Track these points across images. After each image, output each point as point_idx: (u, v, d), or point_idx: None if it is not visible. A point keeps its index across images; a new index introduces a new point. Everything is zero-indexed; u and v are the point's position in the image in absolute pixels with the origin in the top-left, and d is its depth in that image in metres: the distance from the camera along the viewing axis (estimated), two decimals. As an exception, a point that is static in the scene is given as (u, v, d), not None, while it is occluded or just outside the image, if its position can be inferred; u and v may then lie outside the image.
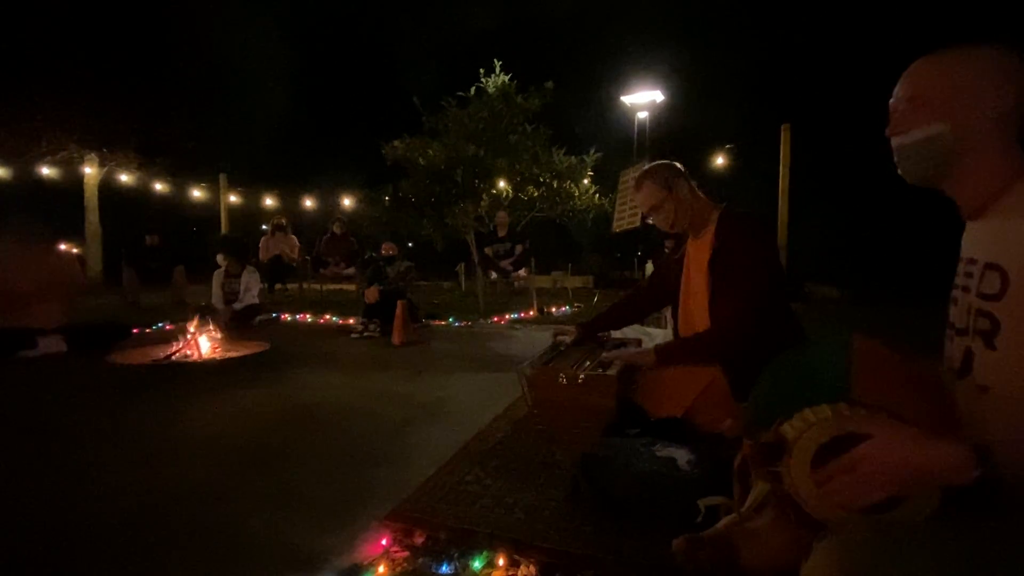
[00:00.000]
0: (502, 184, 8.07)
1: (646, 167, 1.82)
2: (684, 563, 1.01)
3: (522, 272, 6.36)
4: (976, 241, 0.83)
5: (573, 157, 8.38)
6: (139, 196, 9.75)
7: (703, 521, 1.09)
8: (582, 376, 1.79)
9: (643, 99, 10.63)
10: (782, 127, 5.97)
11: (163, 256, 6.26)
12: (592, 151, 8.46)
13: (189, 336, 3.12)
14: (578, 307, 5.82)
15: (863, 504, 0.66)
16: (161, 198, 9.42)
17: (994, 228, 0.78)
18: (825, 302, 6.27)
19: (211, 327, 3.26)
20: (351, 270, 6.84)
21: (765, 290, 1.57)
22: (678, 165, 1.78)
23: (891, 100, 0.88)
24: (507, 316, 5.02)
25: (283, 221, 6.99)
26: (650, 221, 1.85)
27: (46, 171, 8.81)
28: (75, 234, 10.20)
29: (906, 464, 0.65)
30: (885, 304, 5.44)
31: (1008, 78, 0.77)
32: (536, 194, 8.28)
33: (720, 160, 7.03)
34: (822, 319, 4.65)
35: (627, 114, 11.05)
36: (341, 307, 5.50)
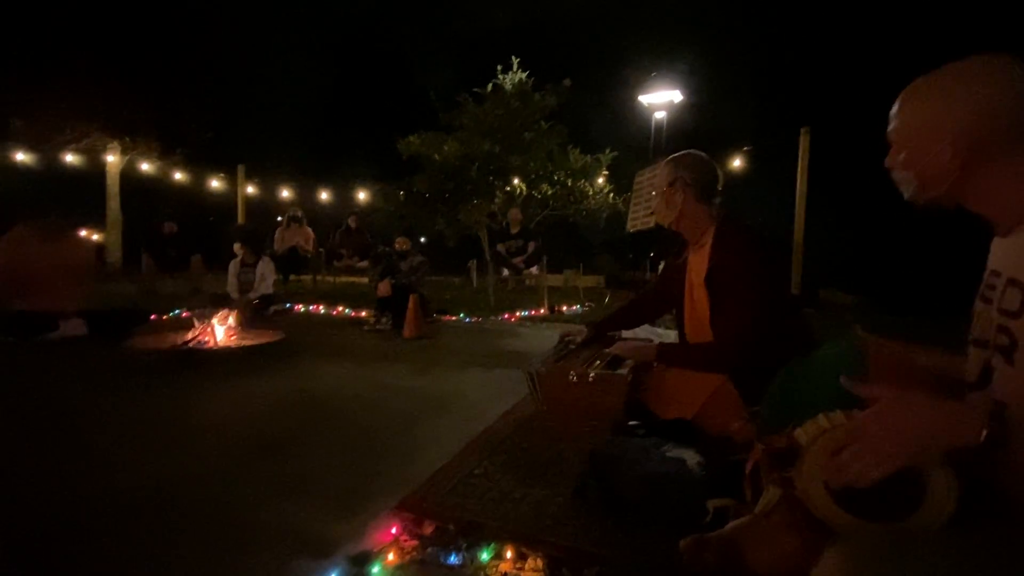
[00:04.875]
0: (516, 181, 8.06)
1: (681, 153, 1.79)
2: (690, 563, 1.01)
3: (534, 270, 6.37)
4: (1002, 254, 0.80)
5: (588, 156, 8.35)
6: (159, 185, 9.92)
7: (711, 523, 1.09)
8: (592, 375, 1.80)
9: (661, 99, 10.54)
10: (801, 130, 5.90)
11: (181, 244, 6.37)
12: (607, 150, 8.43)
13: (205, 323, 3.17)
14: (589, 306, 5.81)
15: (877, 476, 0.64)
16: (180, 187, 9.56)
17: (1019, 243, 0.77)
18: (839, 309, 6.19)
19: (227, 315, 3.32)
20: (364, 263, 6.90)
21: (765, 304, 1.56)
22: (702, 170, 1.74)
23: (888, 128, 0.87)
24: (517, 313, 5.03)
25: (299, 213, 7.06)
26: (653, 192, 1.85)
27: (70, 158, 8.99)
28: (97, 221, 10.40)
29: (914, 425, 0.64)
30: (902, 312, 5.36)
31: (1010, 87, 0.74)
32: (550, 192, 8.27)
33: (737, 162, 6.96)
34: (836, 326, 4.59)
35: (644, 114, 10.98)
36: (354, 300, 5.55)
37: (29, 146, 8.68)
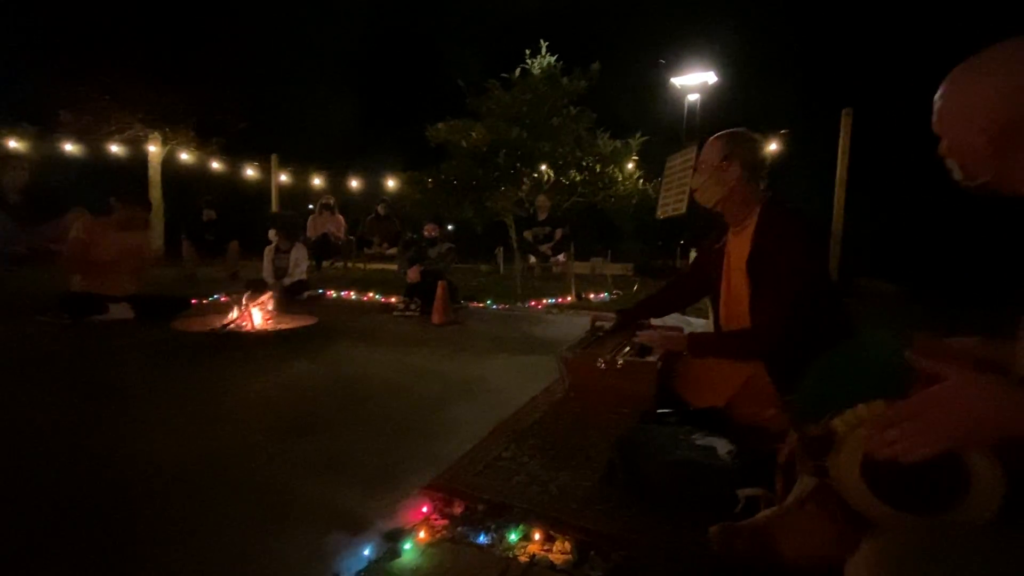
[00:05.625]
0: (544, 168, 8.00)
1: (733, 129, 1.75)
2: (720, 551, 1.01)
3: (561, 257, 6.34)
4: None
5: (617, 141, 8.21)
6: (197, 174, 10.23)
7: (741, 512, 1.08)
8: (621, 362, 1.79)
9: (694, 80, 10.25)
10: (843, 112, 5.64)
11: (219, 231, 6.58)
12: (638, 135, 8.27)
13: (243, 308, 3.29)
14: (617, 294, 5.76)
15: (924, 455, 0.62)
16: (217, 176, 9.85)
17: None
18: (880, 298, 5.96)
19: (263, 300, 3.44)
20: (394, 250, 7.00)
21: (806, 292, 1.51)
22: (755, 148, 1.69)
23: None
24: (544, 301, 5.03)
25: (331, 201, 7.19)
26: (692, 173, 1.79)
27: (114, 149, 9.35)
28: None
29: (980, 408, 0.61)
30: (946, 303, 5.12)
31: None
32: (578, 178, 8.19)
33: (773, 146, 6.72)
34: (876, 316, 4.43)
35: (677, 96, 10.70)
36: (384, 285, 5.65)
37: (76, 137, 9.06)
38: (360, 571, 1.05)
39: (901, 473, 0.68)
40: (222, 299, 4.46)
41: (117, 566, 1.07)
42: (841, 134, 5.64)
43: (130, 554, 1.11)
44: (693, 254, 5.98)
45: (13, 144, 7.87)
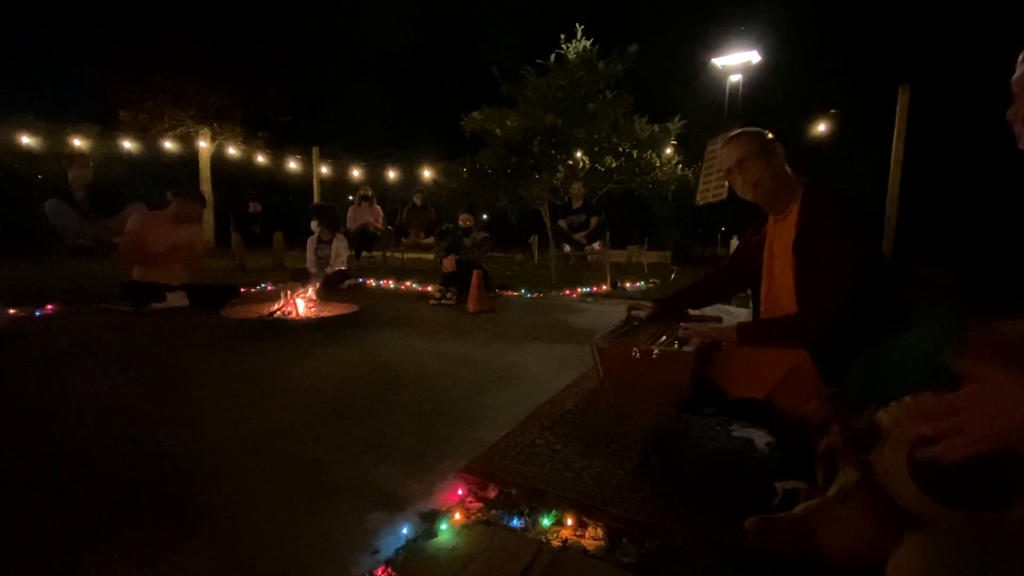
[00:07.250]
0: (579, 155, 7.90)
1: (748, 128, 1.70)
2: (756, 543, 0.99)
3: (596, 245, 6.27)
4: None
5: (655, 125, 8.00)
6: (244, 167, 10.65)
7: (779, 505, 1.06)
8: (657, 351, 1.77)
9: (737, 60, 9.83)
10: (900, 89, 5.31)
11: (264, 222, 6.84)
12: (676, 118, 8.03)
13: (288, 296, 3.43)
14: (653, 283, 5.66)
15: (965, 455, 0.59)
16: (262, 169, 10.23)
17: None
18: (938, 286, 5.62)
19: (307, 289, 3.57)
20: (430, 240, 7.10)
21: (857, 273, 1.44)
22: (774, 139, 1.67)
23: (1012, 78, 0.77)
24: (579, 290, 5.00)
25: (369, 192, 7.34)
26: (730, 178, 1.72)
27: (168, 145, 9.84)
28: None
29: (1019, 415, 0.58)
30: (1011, 292, 4.78)
31: None
32: (614, 165, 8.04)
33: (822, 127, 6.40)
34: (931, 305, 4.18)
35: (718, 77, 10.29)
36: (421, 275, 5.76)
37: (133, 135, 9.59)
38: (398, 549, 1.10)
39: (951, 468, 0.65)
40: (269, 288, 4.65)
41: (175, 533, 1.15)
42: (898, 112, 5.31)
43: (187, 523, 1.19)
44: (735, 242, 5.80)
45: (78, 143, 8.39)
